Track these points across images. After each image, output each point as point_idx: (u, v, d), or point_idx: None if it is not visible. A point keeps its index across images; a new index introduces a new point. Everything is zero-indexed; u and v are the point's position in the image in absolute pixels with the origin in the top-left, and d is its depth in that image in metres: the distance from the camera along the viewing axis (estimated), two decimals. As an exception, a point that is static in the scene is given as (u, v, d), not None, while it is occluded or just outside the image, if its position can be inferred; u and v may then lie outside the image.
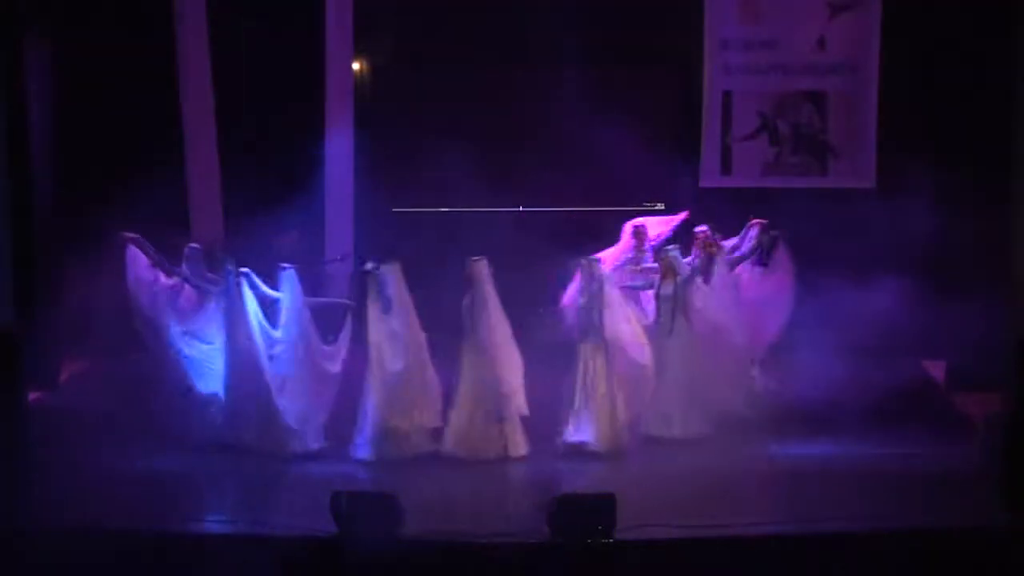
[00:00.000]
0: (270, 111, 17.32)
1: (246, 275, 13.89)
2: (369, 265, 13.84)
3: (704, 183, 17.92)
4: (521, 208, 18.17)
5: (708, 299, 14.54)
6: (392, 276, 13.77)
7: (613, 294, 14.09)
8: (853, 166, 17.69)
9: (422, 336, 13.80)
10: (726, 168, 17.93)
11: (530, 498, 12.06)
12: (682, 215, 15.89)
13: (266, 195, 16.48)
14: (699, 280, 14.55)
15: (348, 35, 17.66)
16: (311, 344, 13.89)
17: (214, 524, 12.18)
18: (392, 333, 13.70)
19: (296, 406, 13.80)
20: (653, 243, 15.44)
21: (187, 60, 17.35)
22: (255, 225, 15.83)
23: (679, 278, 14.26)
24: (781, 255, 15.37)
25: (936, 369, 16.12)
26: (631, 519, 11.38)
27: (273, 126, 17.37)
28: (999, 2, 14.90)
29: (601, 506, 11.27)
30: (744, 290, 15.27)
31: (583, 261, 14.05)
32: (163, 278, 14.62)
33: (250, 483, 13.11)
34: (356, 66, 18.09)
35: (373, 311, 13.73)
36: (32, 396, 14.09)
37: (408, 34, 17.97)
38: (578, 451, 13.60)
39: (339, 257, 16.86)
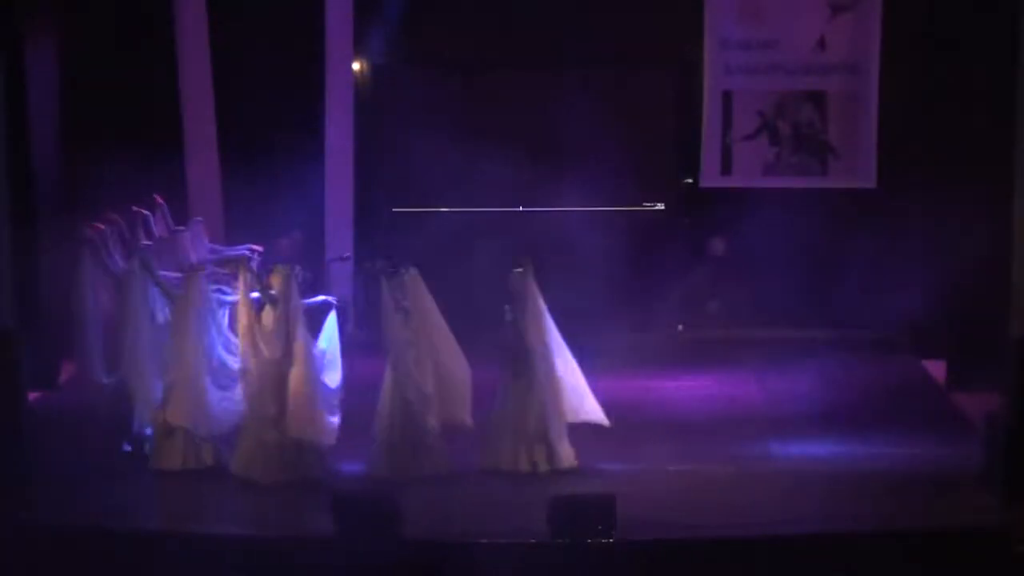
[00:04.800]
0: (270, 111, 17.34)
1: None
2: (380, 263, 12.91)
3: (704, 183, 17.93)
4: (521, 208, 18.18)
5: None
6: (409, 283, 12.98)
7: None
8: (853, 166, 17.69)
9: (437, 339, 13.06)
10: (726, 168, 17.92)
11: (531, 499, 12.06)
12: None
13: (266, 195, 16.48)
14: None
15: (348, 35, 17.68)
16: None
17: (215, 524, 12.16)
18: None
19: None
20: None
21: (187, 60, 17.36)
22: (255, 224, 15.83)
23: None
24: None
25: (936, 369, 16.11)
26: (631, 519, 11.38)
27: (273, 126, 17.39)
28: (999, 2, 14.88)
29: (601, 506, 11.27)
30: None
31: None
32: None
33: (250, 483, 13.10)
34: (356, 66, 18.11)
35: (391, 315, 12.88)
36: (32, 396, 14.08)
37: (408, 34, 17.98)
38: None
39: (341, 257, 16.87)
